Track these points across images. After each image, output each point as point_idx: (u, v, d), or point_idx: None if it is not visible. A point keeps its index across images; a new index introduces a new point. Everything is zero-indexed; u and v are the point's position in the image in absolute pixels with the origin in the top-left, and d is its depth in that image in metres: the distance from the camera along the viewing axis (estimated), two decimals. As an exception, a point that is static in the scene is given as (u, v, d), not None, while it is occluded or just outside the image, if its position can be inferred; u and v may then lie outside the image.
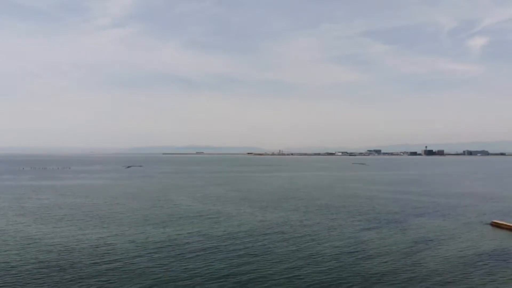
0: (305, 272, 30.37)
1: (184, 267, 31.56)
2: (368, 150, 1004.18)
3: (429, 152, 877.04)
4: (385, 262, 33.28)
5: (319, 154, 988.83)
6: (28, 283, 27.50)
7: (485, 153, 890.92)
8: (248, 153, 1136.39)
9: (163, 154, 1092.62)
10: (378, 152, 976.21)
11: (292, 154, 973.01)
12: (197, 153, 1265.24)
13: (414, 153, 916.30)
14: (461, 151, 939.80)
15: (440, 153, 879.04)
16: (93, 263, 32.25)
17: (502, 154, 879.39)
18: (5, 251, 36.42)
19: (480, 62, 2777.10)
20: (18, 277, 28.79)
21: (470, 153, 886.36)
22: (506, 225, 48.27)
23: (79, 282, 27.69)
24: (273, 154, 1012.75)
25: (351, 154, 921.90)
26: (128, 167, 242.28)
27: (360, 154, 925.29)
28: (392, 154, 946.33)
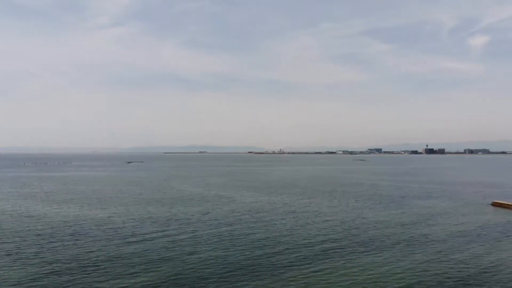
0: (312, 242, 30.55)
1: (188, 242, 31.78)
2: (368, 149, 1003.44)
3: (430, 151, 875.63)
4: (389, 233, 33.48)
5: (320, 153, 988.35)
6: (30, 254, 27.77)
7: (486, 151, 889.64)
8: (249, 152, 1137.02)
9: (164, 153, 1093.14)
10: (378, 150, 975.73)
11: (293, 153, 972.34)
12: (200, 152, 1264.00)
13: (415, 152, 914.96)
14: (462, 150, 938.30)
15: (441, 151, 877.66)
16: (96, 235, 32.34)
17: (503, 152, 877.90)
18: (6, 227, 36.82)
19: (481, 61, 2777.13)
20: (20, 249, 29.10)
21: (471, 151, 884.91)
22: (507, 204, 48.54)
23: (81, 249, 27.99)
24: (273, 152, 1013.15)
25: (351, 152, 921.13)
26: (129, 162, 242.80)
27: (361, 152, 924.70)
28: (392, 152, 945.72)
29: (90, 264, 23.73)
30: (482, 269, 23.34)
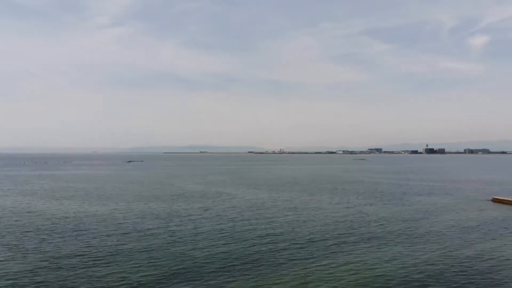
0: (314, 237, 30.51)
1: (190, 237, 31.76)
2: (369, 149, 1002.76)
3: (430, 151, 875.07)
4: (391, 229, 33.42)
5: (320, 152, 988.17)
6: (31, 248, 27.78)
7: (486, 151, 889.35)
8: (249, 152, 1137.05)
9: (164, 153, 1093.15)
10: (379, 150, 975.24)
11: (293, 153, 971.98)
12: (201, 152, 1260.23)
13: (415, 152, 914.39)
14: (462, 150, 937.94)
15: (441, 151, 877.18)
16: (96, 231, 32.25)
17: (503, 152, 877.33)
18: (7, 222, 36.85)
19: (481, 61, 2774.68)
20: (21, 243, 29.11)
21: (471, 151, 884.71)
22: (507, 200, 48.59)
23: (82, 243, 28.00)
24: (274, 152, 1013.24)
25: (351, 152, 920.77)
26: (130, 161, 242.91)
27: (361, 152, 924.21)
28: (393, 152, 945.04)
29: (91, 259, 23.65)
30: (484, 263, 23.31)
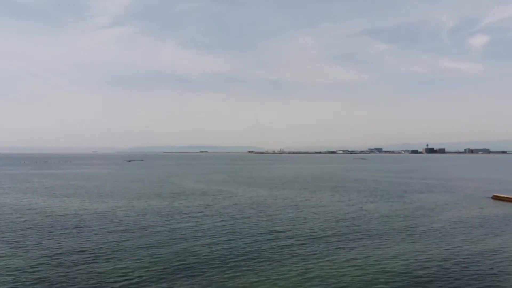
0: (315, 233, 30.51)
1: (191, 233, 31.74)
2: (369, 149, 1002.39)
3: (430, 150, 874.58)
4: (392, 225, 33.40)
5: (320, 152, 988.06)
6: (32, 244, 27.75)
7: (486, 151, 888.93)
8: (249, 152, 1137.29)
9: (164, 152, 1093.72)
10: (379, 150, 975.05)
11: (293, 153, 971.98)
12: (201, 151, 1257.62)
13: (415, 151, 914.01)
14: (462, 149, 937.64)
15: (441, 151, 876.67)
16: (97, 227, 32.24)
17: (503, 152, 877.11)
18: (7, 219, 36.83)
19: (481, 61, 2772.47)
20: (21, 239, 29.07)
21: (471, 151, 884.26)
22: (507, 197, 48.61)
23: (83, 239, 27.96)
24: (274, 152, 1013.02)
25: (352, 152, 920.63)
26: (130, 161, 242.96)
27: (361, 152, 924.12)
28: (393, 152, 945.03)
29: (92, 255, 23.60)
30: (486, 259, 23.28)
